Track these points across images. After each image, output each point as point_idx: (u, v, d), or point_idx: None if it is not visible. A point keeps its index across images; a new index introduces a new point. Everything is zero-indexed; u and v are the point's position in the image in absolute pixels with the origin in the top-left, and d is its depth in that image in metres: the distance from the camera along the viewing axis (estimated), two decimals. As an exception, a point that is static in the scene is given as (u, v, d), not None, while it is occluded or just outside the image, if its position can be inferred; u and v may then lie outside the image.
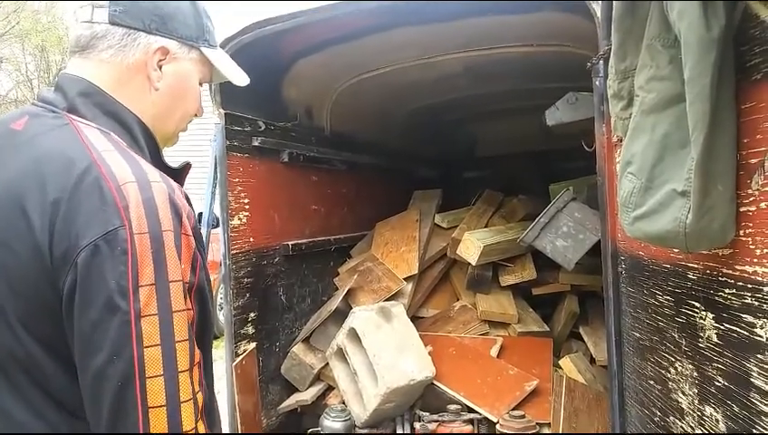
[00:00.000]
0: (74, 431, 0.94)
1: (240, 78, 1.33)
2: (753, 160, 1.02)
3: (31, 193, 0.93)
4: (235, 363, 2.57)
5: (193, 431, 0.92)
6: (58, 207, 0.90)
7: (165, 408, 0.88)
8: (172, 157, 1.16)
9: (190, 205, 1.05)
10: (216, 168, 2.61)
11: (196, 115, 1.26)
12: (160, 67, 1.13)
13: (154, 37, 1.11)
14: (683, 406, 1.37)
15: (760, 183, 1.00)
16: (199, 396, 0.94)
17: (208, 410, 1.05)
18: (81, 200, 0.90)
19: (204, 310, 1.02)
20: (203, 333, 1.03)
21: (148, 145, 1.14)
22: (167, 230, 0.92)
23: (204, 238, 2.62)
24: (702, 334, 1.25)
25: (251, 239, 2.75)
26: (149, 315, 0.88)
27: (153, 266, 0.90)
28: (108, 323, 0.86)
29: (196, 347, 0.95)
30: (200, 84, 1.24)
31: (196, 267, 0.98)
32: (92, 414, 0.89)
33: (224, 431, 1.19)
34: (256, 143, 2.77)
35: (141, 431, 0.87)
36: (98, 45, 1.09)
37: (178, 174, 1.19)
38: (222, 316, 2.99)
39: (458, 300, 3.44)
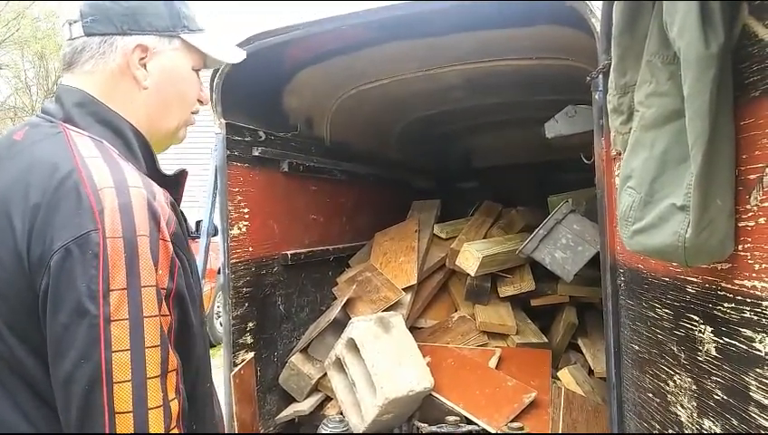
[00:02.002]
0: (59, 431, 0.93)
1: (233, 56, 1.28)
2: (752, 176, 1.03)
3: (16, 198, 0.94)
4: (233, 373, 2.56)
5: None
6: (37, 211, 0.92)
7: (132, 414, 0.88)
8: (174, 163, 1.16)
9: (176, 211, 1.05)
10: (216, 177, 2.62)
11: (200, 103, 1.24)
12: (144, 66, 1.12)
13: (130, 37, 1.11)
14: (682, 419, 1.37)
15: (758, 199, 1.01)
16: (174, 403, 0.93)
17: (200, 414, 1.06)
18: (59, 205, 0.91)
19: (183, 316, 1.01)
20: (184, 339, 1.02)
21: (143, 152, 1.13)
22: (142, 235, 0.92)
23: (205, 246, 2.64)
24: (701, 348, 1.25)
25: (250, 249, 2.75)
26: (119, 320, 0.88)
27: (126, 271, 0.90)
28: (76, 327, 0.87)
29: (171, 353, 0.95)
30: (196, 70, 1.22)
31: (174, 273, 0.98)
32: (63, 416, 0.90)
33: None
34: (257, 153, 2.78)
35: None
36: (80, 59, 1.10)
37: (175, 181, 1.19)
38: (220, 325, 2.98)
39: (457, 311, 3.44)
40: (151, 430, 0.89)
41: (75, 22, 1.10)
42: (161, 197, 1.01)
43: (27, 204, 0.93)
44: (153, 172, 1.13)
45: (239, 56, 1.30)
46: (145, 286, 0.91)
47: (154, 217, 0.95)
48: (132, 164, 1.05)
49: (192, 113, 1.24)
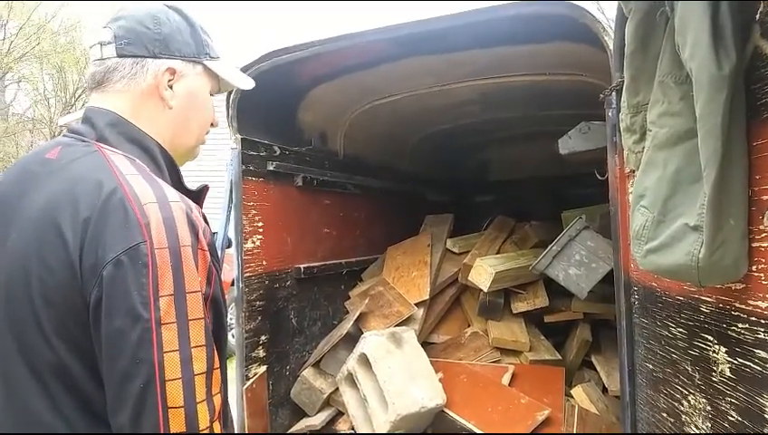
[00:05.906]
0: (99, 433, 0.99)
1: (245, 83, 1.40)
2: (765, 197, 1.03)
3: (65, 212, 1.00)
4: (245, 387, 2.57)
5: (208, 430, 0.98)
6: (87, 224, 0.98)
7: (183, 408, 0.94)
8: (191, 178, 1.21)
9: (207, 223, 1.12)
10: (231, 191, 2.65)
11: (212, 125, 1.34)
12: (171, 87, 1.22)
13: (160, 60, 1.20)
14: (696, 440, 1.35)
15: (772, 219, 1.01)
16: (217, 398, 1.01)
17: (224, 415, 1.11)
18: (108, 219, 0.98)
19: (218, 319, 1.09)
20: (218, 342, 1.08)
21: (169, 168, 1.22)
22: (184, 245, 1.00)
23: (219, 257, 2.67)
24: (715, 368, 1.24)
25: (264, 262, 2.77)
26: (168, 323, 0.95)
27: (172, 278, 0.96)
28: (131, 331, 0.93)
29: (215, 352, 1.02)
30: (211, 95, 1.32)
31: (212, 280, 1.05)
32: (116, 413, 0.95)
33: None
34: (271, 168, 2.81)
35: (162, 429, 0.93)
36: (111, 78, 1.18)
37: (197, 196, 1.27)
38: (232, 337, 3.00)
39: (470, 326, 3.43)
40: (199, 422, 0.96)
41: (108, 43, 1.18)
42: (196, 210, 1.09)
43: (77, 217, 0.99)
44: (178, 187, 1.20)
45: (250, 84, 1.41)
46: (189, 292, 0.98)
47: (193, 228, 1.03)
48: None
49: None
